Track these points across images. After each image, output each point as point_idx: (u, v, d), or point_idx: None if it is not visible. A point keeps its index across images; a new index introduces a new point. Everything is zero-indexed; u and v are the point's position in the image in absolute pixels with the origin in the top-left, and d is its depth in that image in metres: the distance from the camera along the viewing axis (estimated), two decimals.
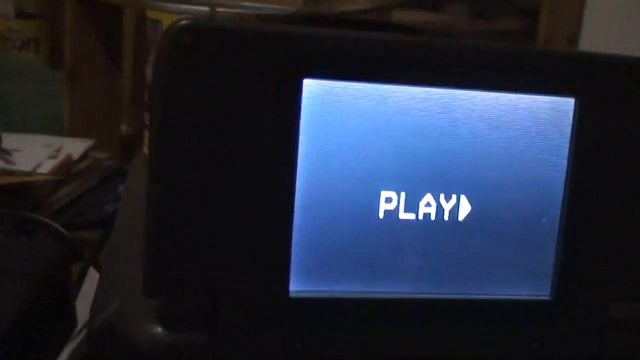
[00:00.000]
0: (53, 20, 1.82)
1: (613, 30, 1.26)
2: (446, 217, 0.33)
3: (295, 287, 0.31)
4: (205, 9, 0.52)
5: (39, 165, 0.79)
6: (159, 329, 0.30)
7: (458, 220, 0.33)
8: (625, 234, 0.34)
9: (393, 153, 0.32)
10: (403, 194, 0.32)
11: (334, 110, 0.31)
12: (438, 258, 0.33)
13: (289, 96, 0.30)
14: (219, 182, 0.30)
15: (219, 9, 0.52)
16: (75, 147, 0.87)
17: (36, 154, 0.82)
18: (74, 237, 0.50)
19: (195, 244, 0.30)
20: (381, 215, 0.32)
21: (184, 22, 0.29)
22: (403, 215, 0.32)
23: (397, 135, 0.32)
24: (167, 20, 0.54)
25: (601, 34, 1.27)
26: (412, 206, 0.32)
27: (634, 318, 0.35)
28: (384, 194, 0.32)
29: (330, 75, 0.31)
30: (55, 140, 0.89)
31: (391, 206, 0.32)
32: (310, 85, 0.30)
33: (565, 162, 0.33)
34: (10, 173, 0.76)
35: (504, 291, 0.34)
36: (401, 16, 0.59)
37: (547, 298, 0.34)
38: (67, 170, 0.81)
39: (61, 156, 0.83)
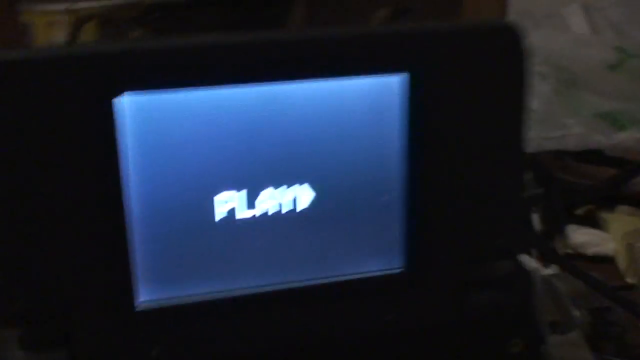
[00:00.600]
0: None
1: (540, 14, 1.24)
2: (284, 210, 0.34)
3: (143, 297, 0.32)
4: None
5: None
6: (22, 353, 0.32)
7: (296, 211, 0.34)
8: (470, 197, 0.35)
9: (226, 154, 0.32)
10: (244, 192, 0.33)
11: (156, 122, 0.31)
12: (283, 251, 0.34)
13: (102, 115, 0.30)
14: (48, 213, 0.31)
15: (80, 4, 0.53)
16: None
17: None
18: None
19: (36, 271, 0.31)
20: (217, 218, 0.33)
21: None
22: (240, 215, 0.33)
23: (227, 136, 0.32)
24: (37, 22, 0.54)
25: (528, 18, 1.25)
26: (251, 204, 0.33)
27: (491, 278, 0.36)
28: (221, 196, 0.33)
29: (146, 88, 0.31)
30: None
31: (228, 207, 0.33)
32: (125, 101, 0.31)
33: (398, 137, 0.34)
34: None
35: (356, 270, 0.35)
36: None
37: (400, 270, 0.35)
38: None
39: None
